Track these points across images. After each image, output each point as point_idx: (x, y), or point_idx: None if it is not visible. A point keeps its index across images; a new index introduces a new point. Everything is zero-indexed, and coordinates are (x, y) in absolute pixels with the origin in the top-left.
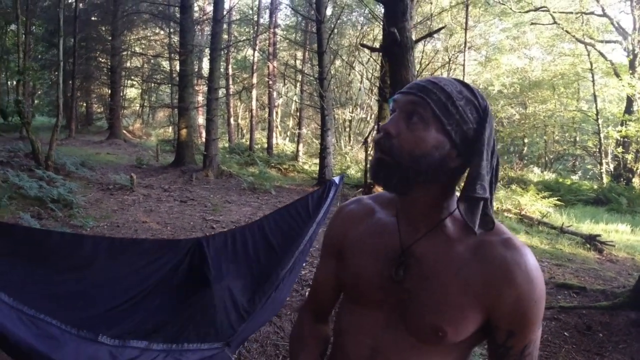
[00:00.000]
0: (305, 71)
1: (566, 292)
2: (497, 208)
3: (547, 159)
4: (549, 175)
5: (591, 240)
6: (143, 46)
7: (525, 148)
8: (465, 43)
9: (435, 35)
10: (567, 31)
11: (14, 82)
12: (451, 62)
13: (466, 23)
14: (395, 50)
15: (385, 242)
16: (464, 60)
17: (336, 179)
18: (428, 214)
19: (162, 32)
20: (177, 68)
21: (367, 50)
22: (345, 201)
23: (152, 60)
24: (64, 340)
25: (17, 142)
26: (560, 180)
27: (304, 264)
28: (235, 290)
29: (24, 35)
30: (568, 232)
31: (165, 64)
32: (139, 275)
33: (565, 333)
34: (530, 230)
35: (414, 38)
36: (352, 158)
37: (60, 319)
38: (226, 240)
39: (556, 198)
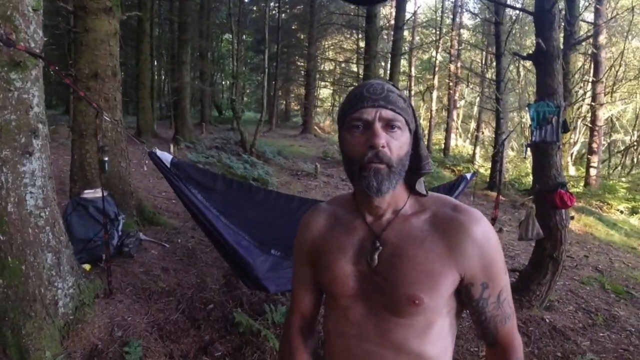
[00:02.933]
0: (487, 75)
1: None
2: None
3: None
4: None
5: None
6: (336, 51)
7: None
8: None
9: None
10: None
11: (228, 83)
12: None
13: None
14: (541, 59)
15: (351, 235)
16: None
17: (468, 175)
18: (391, 203)
19: (351, 39)
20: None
21: None
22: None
23: (342, 64)
24: (250, 249)
25: (228, 132)
26: None
27: None
28: None
29: (236, 44)
30: None
31: (354, 67)
32: (291, 216)
33: None
34: None
35: (602, 40)
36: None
37: (250, 236)
38: None
39: None
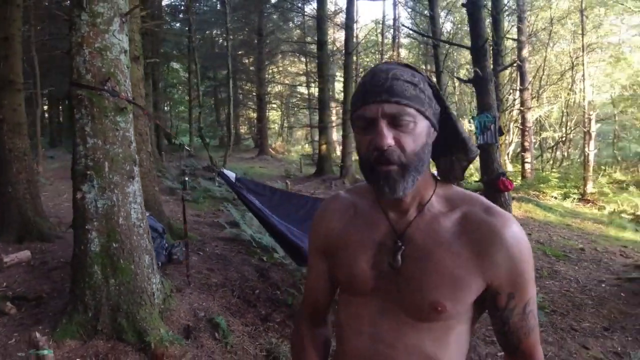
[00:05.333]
0: None
1: None
2: (614, 209)
3: None
4: None
5: None
6: (284, 75)
7: None
8: (583, 48)
9: (557, 39)
10: None
11: (177, 111)
12: (574, 67)
13: (582, 29)
14: (479, 82)
15: (373, 231)
16: (584, 64)
17: None
18: (414, 197)
19: (298, 63)
20: (315, 93)
21: None
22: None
23: (291, 87)
24: (301, 237)
25: (188, 159)
26: None
27: None
28: None
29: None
30: None
31: (301, 89)
32: (299, 208)
33: (622, 294)
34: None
35: (525, 53)
36: None
37: (295, 227)
38: None
39: None
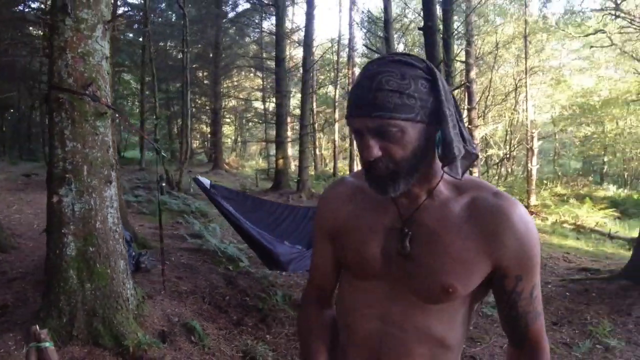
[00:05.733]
0: None
1: (583, 273)
2: (556, 220)
3: (625, 176)
4: (625, 192)
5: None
6: (239, 89)
7: (606, 167)
8: (526, 71)
9: (502, 62)
10: (625, 52)
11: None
12: (518, 88)
13: (525, 53)
14: None
15: (381, 216)
16: (527, 86)
17: None
18: (422, 185)
19: (257, 78)
20: (270, 108)
21: None
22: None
23: (247, 102)
24: (272, 242)
25: (140, 172)
26: (635, 196)
27: None
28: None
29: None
30: (615, 237)
31: (257, 104)
32: (270, 214)
33: (567, 293)
34: (581, 236)
35: (473, 75)
36: None
37: (268, 232)
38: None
39: (612, 210)
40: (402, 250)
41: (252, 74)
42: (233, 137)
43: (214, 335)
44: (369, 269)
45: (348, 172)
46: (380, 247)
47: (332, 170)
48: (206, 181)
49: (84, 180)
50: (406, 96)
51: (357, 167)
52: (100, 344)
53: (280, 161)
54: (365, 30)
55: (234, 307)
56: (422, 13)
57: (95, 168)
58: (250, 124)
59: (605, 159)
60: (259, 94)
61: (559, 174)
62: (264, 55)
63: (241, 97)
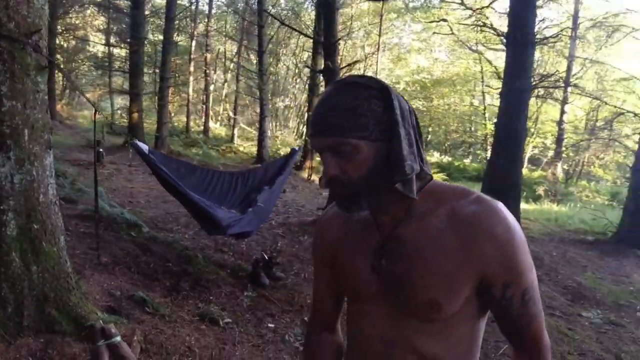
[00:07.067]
0: (242, 63)
1: None
2: None
3: (446, 145)
4: (447, 159)
5: None
6: (73, 27)
7: (430, 136)
8: (378, 48)
9: (354, 34)
10: (461, 41)
11: None
12: (367, 59)
13: (380, 31)
14: (329, 73)
15: (367, 237)
16: (377, 61)
17: (296, 148)
18: (399, 201)
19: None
20: (118, 54)
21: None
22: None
23: (80, 44)
24: (212, 207)
25: None
26: (456, 162)
27: (279, 195)
28: (246, 195)
29: None
30: None
31: (93, 48)
32: (203, 180)
33: None
34: None
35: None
36: (283, 141)
37: (207, 198)
38: (241, 173)
39: (444, 174)
40: (378, 267)
41: (90, 11)
42: (62, 83)
43: (163, 303)
44: (364, 290)
45: (202, 129)
46: (368, 267)
47: (185, 126)
48: (144, 146)
49: (24, 147)
50: (358, 114)
51: (212, 124)
52: (57, 330)
53: (135, 115)
54: None
55: (162, 273)
56: None
57: (37, 132)
58: (83, 69)
59: (430, 129)
60: (101, 37)
61: None
62: None
63: (78, 37)
